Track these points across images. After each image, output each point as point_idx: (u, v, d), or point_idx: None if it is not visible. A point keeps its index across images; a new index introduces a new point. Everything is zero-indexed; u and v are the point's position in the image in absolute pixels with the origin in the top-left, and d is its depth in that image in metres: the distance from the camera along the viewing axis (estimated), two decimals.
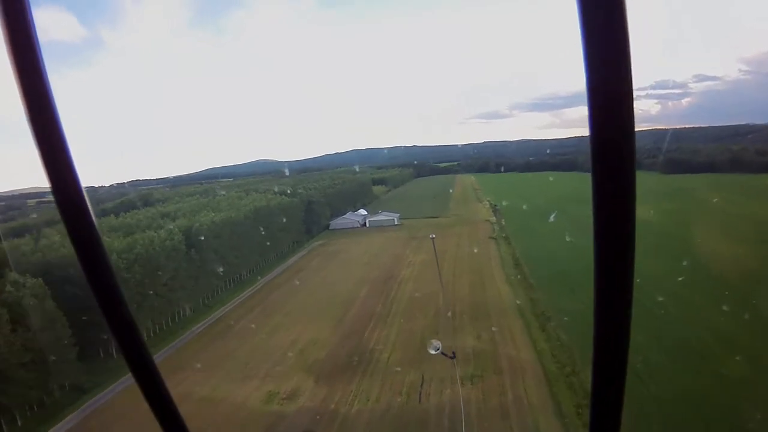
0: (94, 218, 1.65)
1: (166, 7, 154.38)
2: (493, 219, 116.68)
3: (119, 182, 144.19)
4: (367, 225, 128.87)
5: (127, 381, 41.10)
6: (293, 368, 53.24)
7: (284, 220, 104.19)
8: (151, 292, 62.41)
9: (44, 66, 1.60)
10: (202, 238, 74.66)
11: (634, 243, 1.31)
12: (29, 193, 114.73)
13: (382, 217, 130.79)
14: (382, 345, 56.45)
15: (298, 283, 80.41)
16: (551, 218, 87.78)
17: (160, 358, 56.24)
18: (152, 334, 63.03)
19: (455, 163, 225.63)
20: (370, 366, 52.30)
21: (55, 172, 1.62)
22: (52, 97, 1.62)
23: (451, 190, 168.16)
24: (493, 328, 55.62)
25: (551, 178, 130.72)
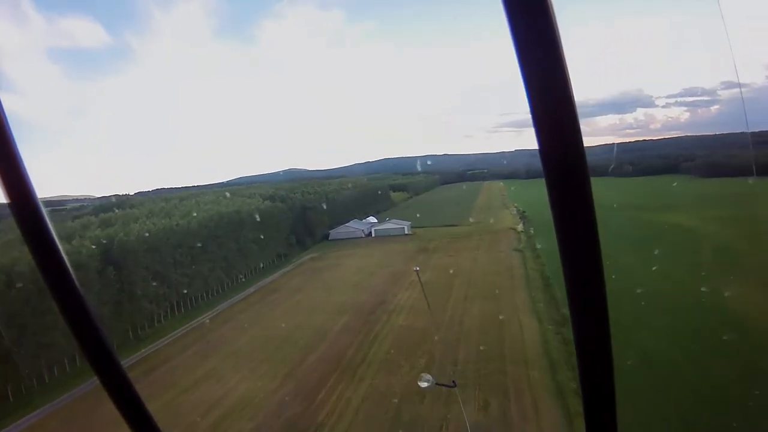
0: (52, 229, 1.65)
1: (194, 16, 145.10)
2: (520, 227, 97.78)
3: (143, 190, 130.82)
4: (373, 235, 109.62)
5: None
6: None
7: (264, 229, 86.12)
8: (32, 331, 44.51)
9: None
10: (127, 252, 56.61)
11: (599, 247, 1.34)
12: None
13: (390, 225, 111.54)
14: (337, 417, 36.89)
15: (260, 311, 62.03)
16: None
17: None
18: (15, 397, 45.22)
19: (484, 170, 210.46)
20: None
21: (11, 185, 1.60)
22: (3, 110, 1.58)
23: (475, 196, 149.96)
24: (511, 404, 35.38)
25: None
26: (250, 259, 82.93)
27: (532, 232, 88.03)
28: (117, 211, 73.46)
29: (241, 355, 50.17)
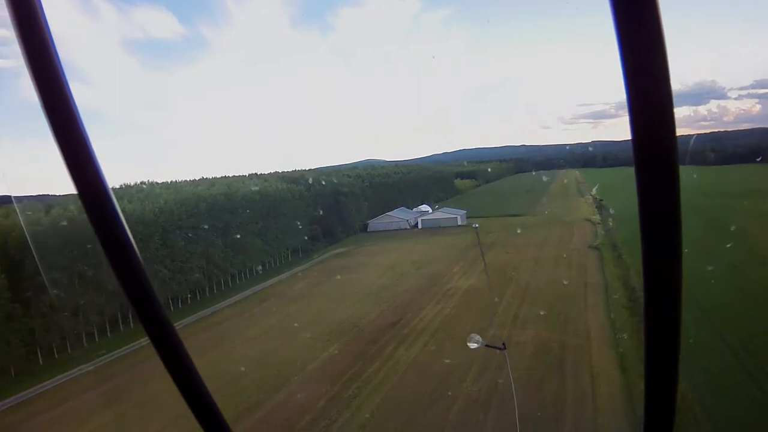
0: (126, 227, 1.66)
1: (270, 5, 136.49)
2: (597, 218, 76.90)
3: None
4: (420, 226, 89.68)
5: None
6: None
7: (272, 217, 68.87)
8: None
9: (61, 64, 1.51)
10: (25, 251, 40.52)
11: (681, 241, 1.35)
12: None
13: (441, 215, 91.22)
14: None
15: (222, 334, 44.63)
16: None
17: None
18: None
19: (560, 160, 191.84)
20: None
21: (81, 176, 1.58)
22: (72, 97, 1.54)
23: (549, 184, 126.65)
24: None
25: None
26: (249, 255, 65.69)
27: (611, 224, 65.66)
28: None
29: (146, 411, 32.06)
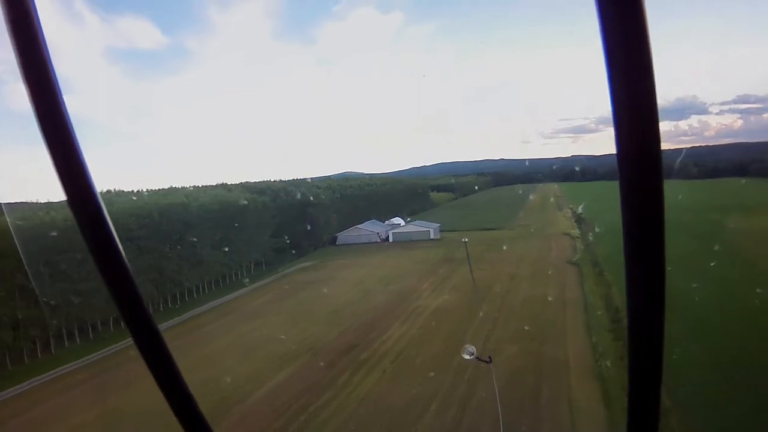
0: (104, 211, 1.66)
1: (253, 16, 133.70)
2: (576, 232, 74.49)
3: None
4: (391, 239, 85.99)
5: None
6: None
7: (233, 229, 64.34)
8: None
9: (54, 69, 1.52)
10: None
11: (664, 255, 1.34)
12: None
13: (412, 228, 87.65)
14: None
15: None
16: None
17: None
18: None
19: (539, 174, 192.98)
20: None
21: (72, 183, 1.61)
22: (64, 105, 1.57)
23: (527, 198, 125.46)
24: None
25: None
26: (207, 269, 61.16)
27: (591, 238, 62.92)
28: None
29: None
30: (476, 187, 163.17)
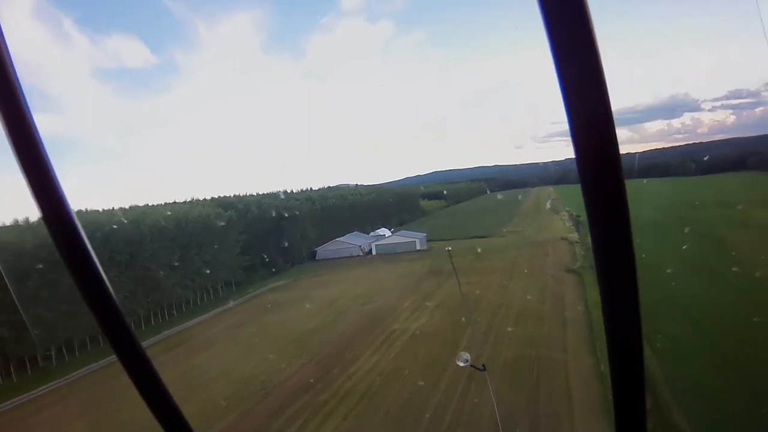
0: (88, 245, 1.69)
1: (241, 31, 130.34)
2: (575, 236, 67.90)
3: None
4: (374, 252, 79.68)
5: None
6: None
7: (196, 247, 58.12)
8: None
9: (21, 87, 1.54)
10: None
11: (633, 255, 1.36)
12: None
13: (397, 239, 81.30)
14: None
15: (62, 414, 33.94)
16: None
17: None
18: None
19: (534, 178, 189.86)
20: None
21: (44, 199, 1.62)
22: (34, 123, 1.59)
23: (521, 202, 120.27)
24: None
25: (645, 181, 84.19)
26: (165, 293, 54.86)
27: (590, 242, 56.83)
28: None
29: None
30: (487, 190, 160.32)
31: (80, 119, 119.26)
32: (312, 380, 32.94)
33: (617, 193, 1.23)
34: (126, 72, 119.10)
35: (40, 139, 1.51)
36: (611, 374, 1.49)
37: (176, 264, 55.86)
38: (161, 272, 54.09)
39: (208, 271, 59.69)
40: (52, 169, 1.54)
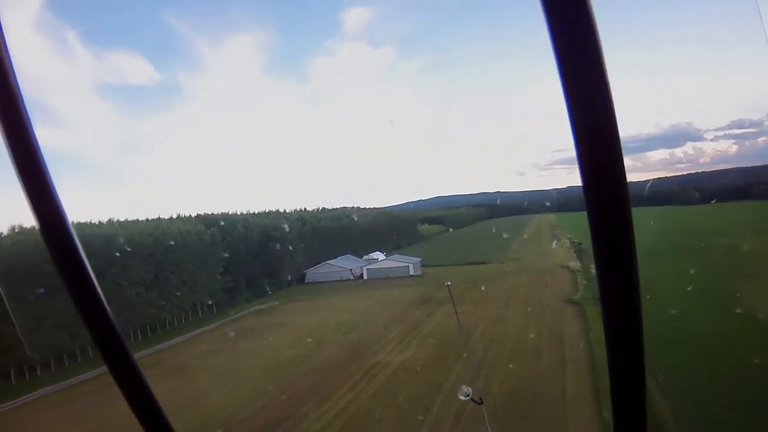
0: (74, 235, 1.65)
1: (245, 52, 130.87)
2: (576, 265, 63.92)
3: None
4: (365, 276, 76.18)
5: None
6: None
7: (170, 266, 54.78)
8: None
9: (24, 101, 1.55)
10: None
11: (638, 283, 1.36)
12: None
13: (390, 263, 77.89)
14: None
15: None
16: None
17: None
18: None
19: (535, 204, 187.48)
20: None
21: (42, 211, 1.63)
22: (35, 136, 1.59)
23: (522, 229, 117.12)
24: None
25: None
26: (138, 313, 51.24)
27: (594, 270, 53.36)
28: None
29: None
30: (488, 216, 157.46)
31: (80, 133, 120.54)
32: (278, 419, 29.34)
33: (623, 219, 1.22)
34: (128, 88, 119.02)
35: (39, 150, 1.48)
36: (610, 384, 1.49)
37: (150, 282, 52.35)
38: (134, 290, 50.63)
39: (184, 291, 56.18)
40: (51, 181, 1.52)
